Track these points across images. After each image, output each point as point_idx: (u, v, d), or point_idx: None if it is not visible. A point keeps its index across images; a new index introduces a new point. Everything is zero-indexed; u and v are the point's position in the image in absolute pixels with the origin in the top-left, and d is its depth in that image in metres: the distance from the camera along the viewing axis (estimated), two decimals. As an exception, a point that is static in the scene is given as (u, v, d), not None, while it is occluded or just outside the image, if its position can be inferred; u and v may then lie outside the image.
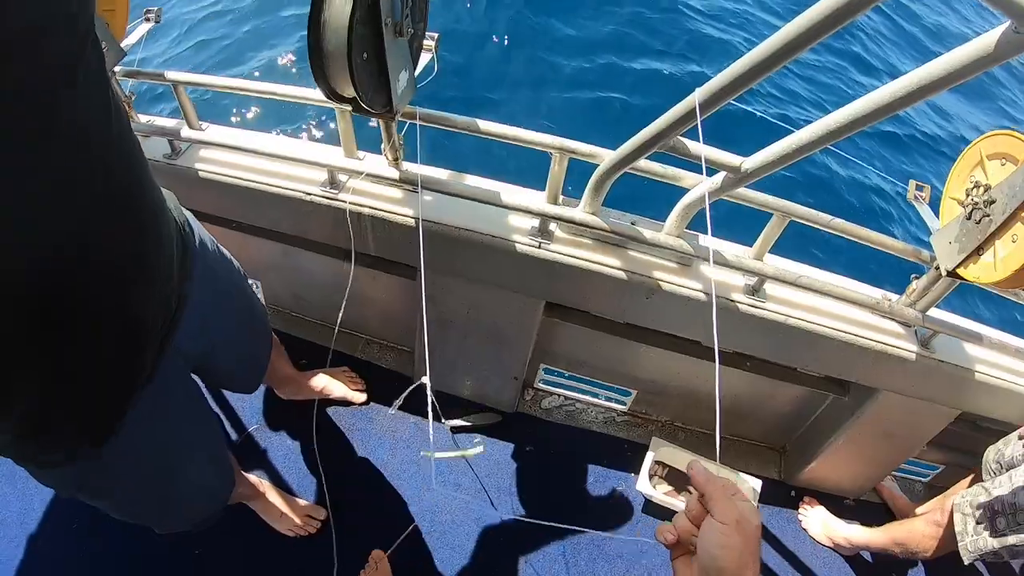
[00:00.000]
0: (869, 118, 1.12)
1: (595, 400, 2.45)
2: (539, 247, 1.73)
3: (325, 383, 2.28)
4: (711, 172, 1.44)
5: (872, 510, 2.37)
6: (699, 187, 1.54)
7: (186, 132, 1.86)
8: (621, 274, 1.71)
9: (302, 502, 2.05)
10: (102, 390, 1.02)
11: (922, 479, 2.50)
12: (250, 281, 2.54)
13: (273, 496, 2.01)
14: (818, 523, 2.25)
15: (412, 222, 1.77)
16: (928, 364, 1.76)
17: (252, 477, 2.02)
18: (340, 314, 1.89)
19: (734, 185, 1.42)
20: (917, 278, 1.72)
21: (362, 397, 2.33)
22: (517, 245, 1.73)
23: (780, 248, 1.72)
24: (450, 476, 2.21)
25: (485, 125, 1.63)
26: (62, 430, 1.01)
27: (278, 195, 1.86)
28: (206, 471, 1.51)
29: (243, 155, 1.89)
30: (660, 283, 1.70)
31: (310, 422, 2.26)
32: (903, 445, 2.15)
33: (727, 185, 1.44)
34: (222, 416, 2.28)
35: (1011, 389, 1.78)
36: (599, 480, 2.26)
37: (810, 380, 2.04)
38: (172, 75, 1.77)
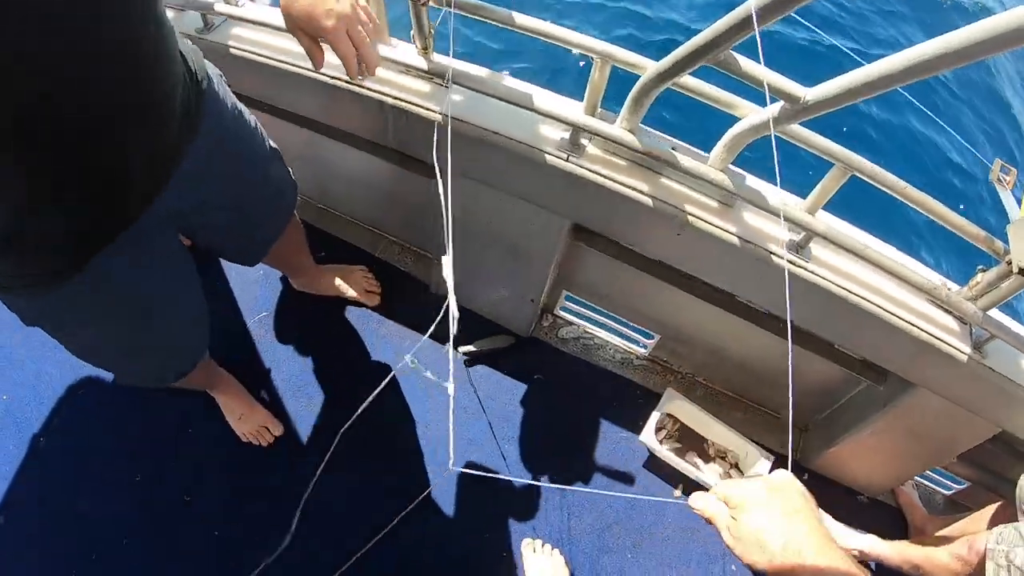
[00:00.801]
0: (961, 56, 0.86)
1: (615, 338, 2.25)
2: (567, 159, 1.52)
3: (340, 281, 2.16)
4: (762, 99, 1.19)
5: (885, 513, 2.13)
6: (752, 116, 1.29)
7: (220, 6, 1.70)
8: (651, 201, 1.49)
9: (261, 411, 1.93)
10: (79, 220, 0.98)
11: (944, 491, 2.23)
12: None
13: (236, 395, 1.90)
14: None
15: (435, 116, 1.59)
16: (977, 370, 1.50)
17: (222, 370, 1.90)
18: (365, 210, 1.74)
19: (793, 118, 1.18)
20: (984, 270, 1.44)
21: (376, 300, 2.20)
22: (544, 155, 1.52)
23: (831, 206, 1.46)
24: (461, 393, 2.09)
25: (523, 19, 1.41)
26: (35, 250, 0.98)
27: (306, 77, 1.70)
28: (179, 330, 1.42)
29: (275, 35, 1.73)
30: (693, 219, 1.47)
31: (318, 319, 2.17)
32: (932, 452, 1.90)
33: (784, 117, 1.19)
34: (234, 293, 2.19)
35: None
36: (604, 423, 2.10)
37: (846, 360, 1.79)
38: None
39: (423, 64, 1.52)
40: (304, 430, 1.99)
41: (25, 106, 0.74)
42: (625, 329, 2.25)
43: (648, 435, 1.95)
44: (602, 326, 2.27)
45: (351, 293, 2.16)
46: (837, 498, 2.09)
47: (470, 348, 2.12)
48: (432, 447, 1.99)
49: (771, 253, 1.46)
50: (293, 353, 2.13)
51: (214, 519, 1.84)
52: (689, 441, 2.05)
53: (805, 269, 1.47)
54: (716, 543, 1.92)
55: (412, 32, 1.50)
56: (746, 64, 1.15)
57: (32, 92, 0.74)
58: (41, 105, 0.76)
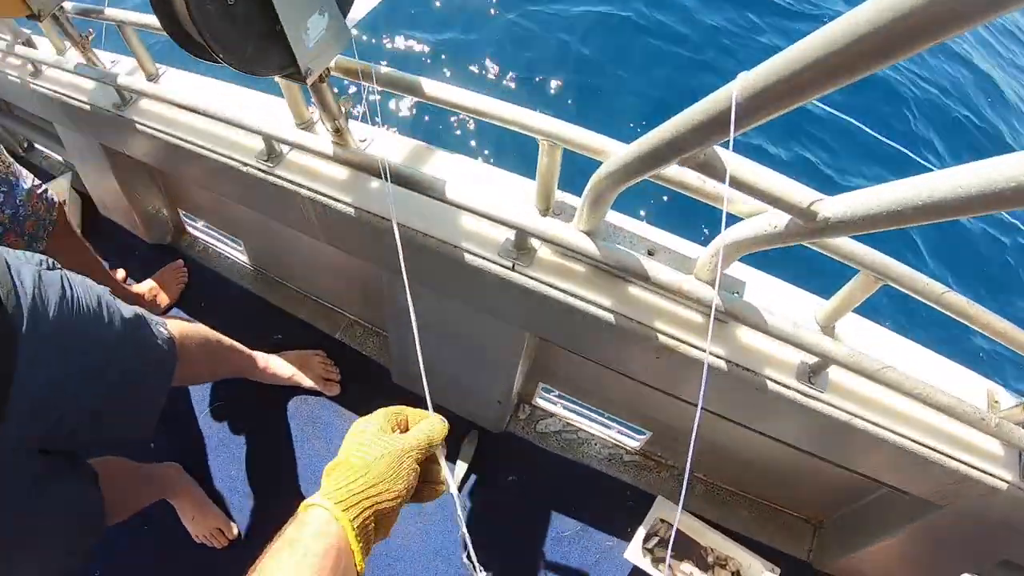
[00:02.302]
0: None
1: (601, 431, 1.84)
2: (512, 268, 1.13)
3: (294, 371, 1.81)
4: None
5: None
6: (749, 224, 0.89)
7: (133, 81, 1.41)
8: (623, 322, 1.10)
9: (215, 513, 1.63)
10: None
11: None
12: (231, 240, 2.11)
13: (188, 495, 1.62)
14: None
15: (352, 212, 1.22)
16: (1022, 498, 1.11)
17: (172, 470, 1.64)
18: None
19: (804, 236, 0.79)
20: None
21: (336, 389, 1.84)
22: (485, 263, 1.14)
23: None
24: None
25: (447, 94, 1.04)
26: None
27: (217, 162, 1.38)
28: (61, 536, 1.11)
29: (193, 117, 1.43)
30: (676, 344, 1.08)
31: (274, 409, 1.81)
32: (966, 562, 1.49)
33: (793, 233, 0.80)
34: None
35: None
36: (588, 531, 1.69)
37: (866, 476, 1.38)
38: (113, 12, 1.37)
39: (329, 150, 1.15)
40: (262, 531, 1.65)
41: None
42: (612, 423, 1.85)
43: (635, 552, 1.56)
44: (586, 418, 1.86)
45: (307, 383, 1.82)
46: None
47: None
48: (387, 561, 1.61)
49: (777, 383, 1.07)
50: (248, 448, 1.78)
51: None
52: (687, 545, 1.65)
53: (819, 400, 1.07)
54: None
55: (320, 114, 1.13)
56: (737, 168, 0.75)
57: None
58: None
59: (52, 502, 1.05)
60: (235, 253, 2.16)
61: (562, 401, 1.86)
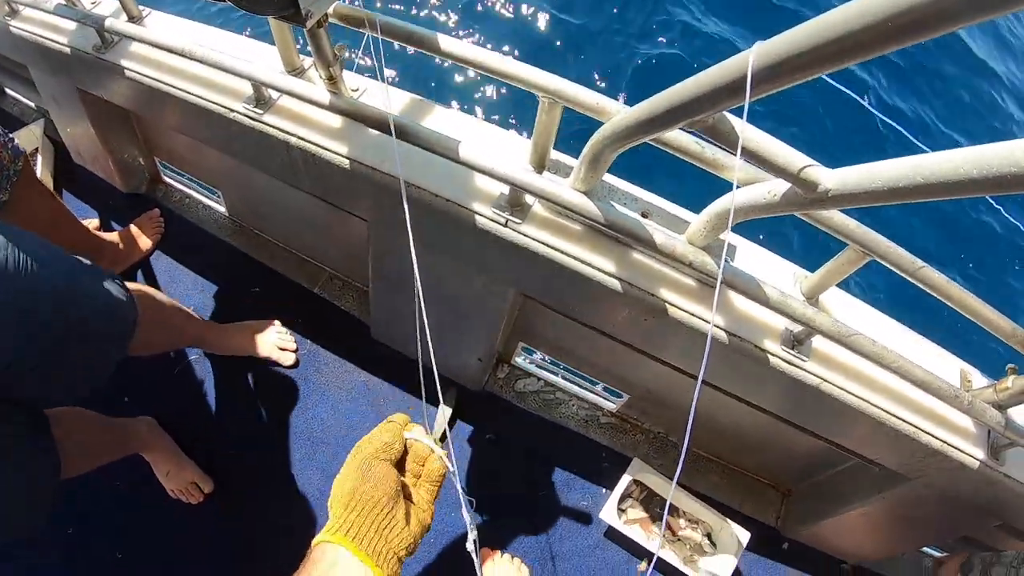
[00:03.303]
0: None
1: (579, 392, 1.88)
2: (505, 224, 1.14)
3: (247, 342, 1.80)
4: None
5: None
6: (747, 192, 0.91)
7: (116, 23, 1.36)
8: (613, 282, 1.12)
9: (190, 467, 1.63)
10: None
11: (935, 553, 1.90)
12: (208, 191, 2.07)
13: (163, 450, 1.61)
14: None
15: (345, 163, 1.20)
16: (991, 476, 1.19)
17: (144, 424, 1.62)
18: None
19: (803, 207, 0.82)
20: (1015, 371, 1.11)
21: (291, 358, 1.82)
22: (478, 218, 1.15)
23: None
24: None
25: (450, 45, 1.03)
26: None
27: (201, 107, 1.35)
28: (11, 483, 1.07)
29: (176, 59, 1.39)
30: (667, 307, 1.10)
31: (250, 363, 1.81)
32: (928, 534, 1.59)
33: (791, 202, 0.82)
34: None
35: None
36: (564, 487, 1.74)
37: (840, 444, 1.45)
38: None
39: (324, 98, 1.13)
40: (237, 486, 1.66)
41: None
42: (590, 385, 1.89)
43: (610, 512, 1.62)
44: (564, 378, 1.89)
45: (263, 352, 1.80)
46: (819, 566, 1.77)
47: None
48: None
49: (762, 349, 1.10)
50: (223, 405, 1.77)
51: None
52: (656, 509, 1.72)
53: (802, 368, 1.11)
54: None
55: (313, 60, 1.11)
56: (746, 133, 0.77)
57: None
58: None
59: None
60: (212, 204, 2.12)
61: (541, 362, 1.89)
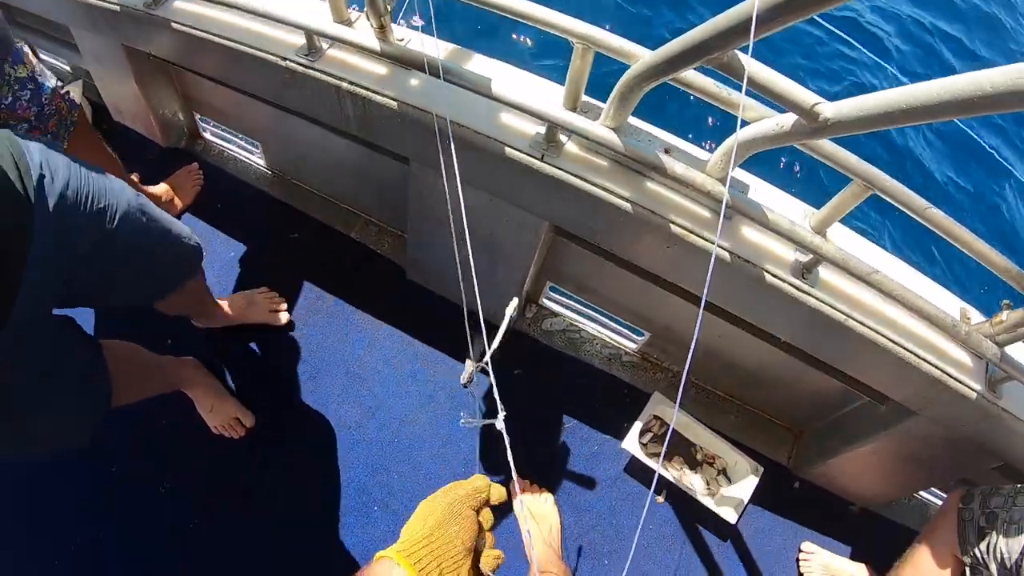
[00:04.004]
0: None
1: (602, 332, 2.03)
2: (542, 159, 1.28)
3: (239, 310, 1.92)
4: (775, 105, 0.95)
5: (876, 523, 1.95)
6: (760, 124, 1.04)
7: None
8: (636, 210, 1.26)
9: (233, 402, 1.77)
10: None
11: (937, 502, 2.04)
12: (248, 143, 2.21)
13: (206, 387, 1.74)
14: (820, 568, 1.82)
15: (393, 104, 1.34)
16: (988, 409, 1.31)
17: (188, 361, 1.74)
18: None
19: (807, 135, 0.95)
20: (1010, 307, 1.24)
21: (285, 317, 1.96)
22: (516, 153, 1.29)
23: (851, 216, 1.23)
24: (424, 385, 1.89)
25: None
26: None
27: (254, 57, 1.48)
28: (73, 400, 1.22)
29: (224, 11, 1.52)
30: (683, 231, 1.24)
31: (290, 306, 1.97)
32: (930, 474, 1.73)
33: (797, 133, 0.95)
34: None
35: None
36: (588, 423, 1.90)
37: (846, 377, 1.58)
38: None
39: (375, 45, 1.27)
40: (279, 425, 1.82)
41: None
42: (614, 324, 2.03)
43: (631, 442, 1.77)
44: (589, 318, 2.05)
45: (257, 319, 1.93)
46: (828, 507, 1.92)
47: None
48: (407, 442, 1.81)
49: (774, 276, 1.24)
50: (264, 346, 1.94)
51: (188, 509, 1.70)
52: (677, 442, 1.87)
53: (811, 296, 1.24)
54: (694, 554, 1.77)
55: (365, 9, 1.24)
56: (755, 69, 0.90)
57: None
58: None
59: (63, 363, 1.16)
60: (251, 157, 2.27)
61: (567, 301, 2.04)
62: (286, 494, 1.72)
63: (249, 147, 2.29)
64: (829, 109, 0.87)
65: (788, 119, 0.96)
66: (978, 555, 1.32)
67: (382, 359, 1.92)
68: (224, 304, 1.89)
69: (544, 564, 1.55)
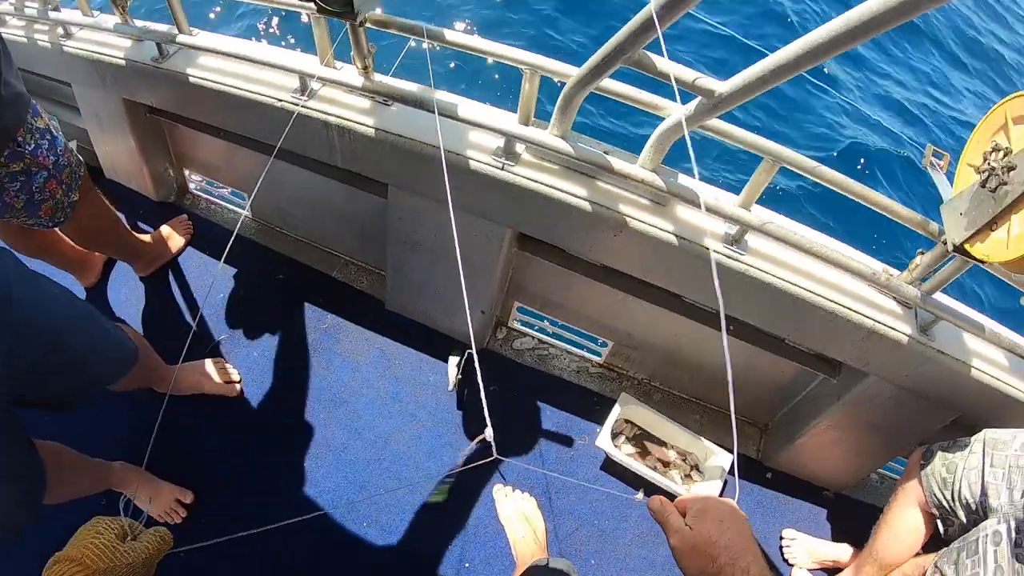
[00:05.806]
0: (855, 34, 0.93)
1: (570, 347, 2.30)
2: (502, 168, 1.57)
3: (198, 379, 2.06)
4: (686, 99, 1.25)
5: (851, 508, 2.16)
6: (673, 114, 1.34)
7: (180, 36, 1.81)
8: (588, 205, 1.55)
9: (167, 487, 1.86)
10: None
11: None
12: (235, 195, 2.48)
13: (140, 482, 1.83)
14: (803, 552, 2.00)
15: (374, 133, 1.65)
16: (924, 353, 1.55)
17: (116, 464, 1.82)
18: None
19: (711, 112, 1.25)
20: (923, 253, 1.50)
21: (236, 389, 2.10)
22: (480, 165, 1.58)
23: (776, 206, 1.52)
24: (407, 405, 2.10)
25: (453, 36, 1.50)
26: None
27: (251, 100, 1.79)
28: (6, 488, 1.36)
29: (226, 61, 1.84)
30: (628, 219, 1.52)
31: (268, 345, 2.19)
32: (890, 441, 1.94)
33: (702, 112, 1.25)
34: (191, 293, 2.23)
35: (1017, 398, 1.56)
36: (562, 429, 2.12)
37: (799, 356, 1.85)
38: None
39: (359, 82, 1.59)
40: (266, 442, 2.00)
41: None
42: (579, 339, 2.29)
43: (604, 440, 1.97)
44: (556, 336, 2.31)
45: (208, 390, 2.06)
46: (803, 495, 2.13)
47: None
48: (392, 456, 2.00)
49: (706, 248, 1.51)
50: (254, 376, 2.14)
51: (177, 535, 1.74)
52: (644, 443, 2.08)
53: (741, 262, 1.52)
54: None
55: (352, 53, 1.56)
56: (661, 63, 1.21)
57: None
58: None
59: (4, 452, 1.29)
60: (238, 209, 2.55)
61: (536, 322, 2.30)
62: (277, 516, 1.83)
63: (236, 199, 2.58)
64: (722, 85, 1.18)
65: (692, 105, 1.26)
66: (945, 505, 1.48)
67: (365, 383, 2.13)
68: (181, 373, 2.02)
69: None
